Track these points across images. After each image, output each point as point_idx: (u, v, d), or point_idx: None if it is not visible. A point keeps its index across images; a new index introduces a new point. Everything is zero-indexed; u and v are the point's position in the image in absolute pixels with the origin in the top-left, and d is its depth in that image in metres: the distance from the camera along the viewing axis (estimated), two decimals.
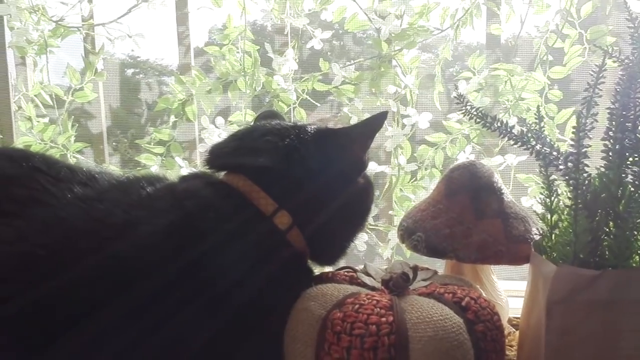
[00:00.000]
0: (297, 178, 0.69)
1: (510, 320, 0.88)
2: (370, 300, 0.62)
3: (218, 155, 0.74)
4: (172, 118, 1.22)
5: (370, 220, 1.17)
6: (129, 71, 1.52)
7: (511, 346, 0.80)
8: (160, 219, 0.64)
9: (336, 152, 0.72)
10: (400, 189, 1.18)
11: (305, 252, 0.72)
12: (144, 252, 0.61)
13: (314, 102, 1.22)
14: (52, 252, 0.60)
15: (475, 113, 0.73)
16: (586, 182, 0.66)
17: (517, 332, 0.79)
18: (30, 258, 0.60)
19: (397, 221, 1.17)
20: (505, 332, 0.84)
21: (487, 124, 0.73)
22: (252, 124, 0.85)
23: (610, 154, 0.67)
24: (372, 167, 1.15)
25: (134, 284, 0.60)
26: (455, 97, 0.75)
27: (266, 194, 0.68)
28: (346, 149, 0.73)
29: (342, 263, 0.82)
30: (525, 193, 1.16)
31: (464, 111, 0.74)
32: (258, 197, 0.68)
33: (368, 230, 1.17)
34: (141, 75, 1.55)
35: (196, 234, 0.64)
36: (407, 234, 0.80)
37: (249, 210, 0.68)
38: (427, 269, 0.76)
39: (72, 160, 1.18)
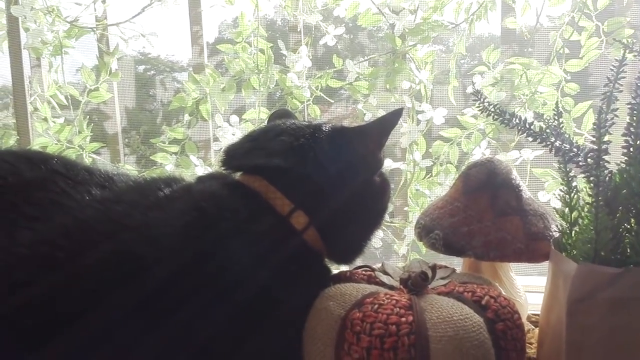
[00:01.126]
0: (312, 178, 0.69)
1: (529, 318, 0.87)
2: (389, 300, 0.62)
3: (233, 156, 0.74)
4: (187, 117, 1.22)
5: (385, 217, 1.17)
6: (140, 67, 1.53)
7: (530, 344, 0.80)
8: (178, 220, 0.64)
9: (351, 150, 0.72)
10: (416, 186, 1.17)
11: (322, 251, 0.72)
12: (162, 253, 0.62)
13: (328, 98, 1.22)
14: (71, 254, 0.61)
15: (493, 110, 0.73)
16: (607, 178, 0.65)
17: (537, 330, 0.78)
18: (50, 260, 0.60)
19: (412, 217, 1.16)
20: (525, 329, 0.84)
21: (506, 121, 0.72)
22: (266, 123, 0.85)
23: (631, 149, 0.66)
24: (387, 164, 1.14)
25: (153, 284, 0.61)
26: (472, 93, 0.75)
27: (282, 195, 0.68)
28: (361, 147, 0.73)
29: (358, 261, 0.82)
30: (542, 188, 1.14)
31: (481, 108, 0.73)
32: (274, 197, 0.68)
33: (384, 227, 1.17)
34: (152, 72, 1.56)
35: (213, 234, 0.64)
36: (425, 232, 0.80)
37: (265, 210, 0.68)
38: (446, 267, 0.76)
39: (88, 160, 1.19)
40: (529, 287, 0.90)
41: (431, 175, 1.17)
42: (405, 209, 1.18)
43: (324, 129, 0.73)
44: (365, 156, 0.73)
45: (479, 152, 1.15)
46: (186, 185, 0.72)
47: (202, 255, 0.63)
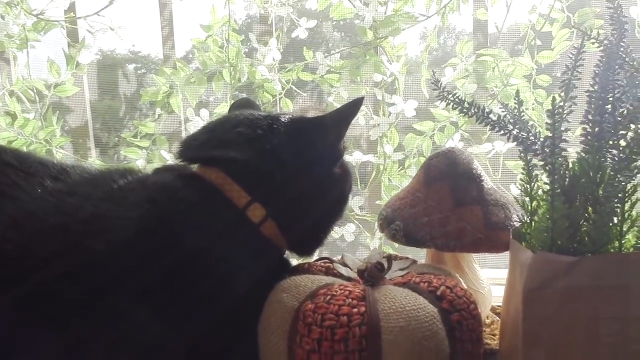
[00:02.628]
0: (269, 170, 0.68)
1: (494, 309, 0.87)
2: (342, 291, 0.61)
3: (190, 148, 0.73)
4: (158, 111, 1.20)
5: (357, 210, 1.16)
6: (131, 66, 1.51)
7: (494, 335, 0.79)
8: (131, 213, 0.63)
9: (310, 141, 0.71)
10: (389, 179, 1.17)
11: (282, 243, 0.71)
12: (114, 246, 0.61)
13: (299, 92, 1.21)
14: (20, 247, 0.60)
15: (452, 99, 0.72)
16: (562, 166, 0.64)
17: None
18: None
19: None
20: (489, 321, 0.83)
21: (465, 110, 0.71)
22: (226, 113, 0.84)
23: (589, 137, 0.65)
24: (358, 157, 1.13)
25: (105, 278, 0.60)
26: (432, 82, 0.74)
27: (239, 187, 0.67)
28: (320, 138, 0.72)
29: (325, 254, 0.81)
30: (515, 181, 1.14)
31: (441, 97, 0.73)
32: (231, 189, 0.67)
33: (355, 221, 1.16)
34: (143, 70, 1.54)
35: (167, 227, 0.63)
36: (386, 222, 0.79)
37: (221, 203, 0.67)
38: (407, 258, 0.75)
39: (58, 155, 1.17)
40: (496, 280, 0.89)
41: (403, 168, 1.17)
42: (377, 202, 1.17)
43: (282, 119, 0.72)
44: (324, 147, 0.72)
45: (452, 145, 1.14)
46: (141, 178, 0.71)
47: (155, 248, 0.62)
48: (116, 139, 1.39)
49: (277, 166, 0.69)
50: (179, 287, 0.62)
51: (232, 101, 1.16)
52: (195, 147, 0.72)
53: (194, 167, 0.72)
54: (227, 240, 0.66)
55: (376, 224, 1.14)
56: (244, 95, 1.23)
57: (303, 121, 0.73)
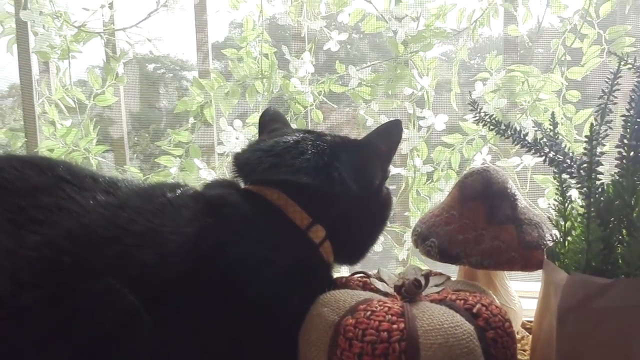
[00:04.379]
0: (335, 195, 0.72)
1: (524, 324, 0.88)
2: (382, 307, 0.63)
3: (254, 170, 0.75)
4: (191, 120, 1.23)
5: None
6: (150, 66, 1.54)
7: (524, 350, 0.80)
8: (185, 227, 0.65)
9: (369, 166, 0.76)
10: (417, 191, 1.19)
11: (331, 261, 0.75)
12: (169, 260, 0.62)
13: (330, 104, 1.23)
14: (76, 259, 0.62)
15: (488, 120, 0.74)
16: (599, 190, 0.66)
17: (531, 337, 0.79)
18: (55, 264, 0.61)
19: (413, 223, 1.17)
20: (519, 336, 0.85)
21: (501, 131, 0.73)
22: (258, 125, 0.88)
23: (624, 161, 0.67)
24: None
25: (158, 291, 0.61)
26: (469, 103, 0.76)
27: (301, 209, 0.71)
28: (377, 162, 0.77)
29: (357, 266, 0.84)
30: (542, 194, 1.15)
31: (477, 118, 0.74)
32: (293, 210, 0.71)
33: (384, 232, 1.18)
34: (162, 70, 1.57)
35: (229, 241, 0.65)
36: (421, 239, 0.81)
37: (284, 222, 0.70)
38: (440, 274, 0.77)
39: (94, 163, 1.21)
40: (525, 293, 0.91)
41: (432, 181, 1.18)
42: (406, 214, 1.19)
43: (343, 145, 0.77)
44: (379, 171, 0.77)
45: (480, 158, 1.16)
46: (192, 193, 0.73)
47: (215, 262, 0.63)
48: (136, 138, 1.42)
49: (343, 192, 0.72)
50: (239, 304, 0.63)
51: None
52: (261, 171, 0.74)
53: (244, 185, 0.75)
54: (289, 258, 0.68)
55: (405, 235, 1.17)
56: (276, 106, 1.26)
57: (362, 146, 0.78)
